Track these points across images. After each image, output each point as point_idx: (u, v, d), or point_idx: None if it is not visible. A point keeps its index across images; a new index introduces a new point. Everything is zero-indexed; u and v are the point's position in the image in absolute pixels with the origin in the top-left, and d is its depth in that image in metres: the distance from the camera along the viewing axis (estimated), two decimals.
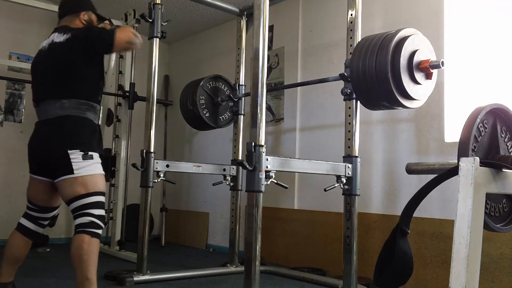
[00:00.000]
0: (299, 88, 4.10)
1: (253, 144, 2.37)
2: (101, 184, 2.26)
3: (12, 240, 2.41)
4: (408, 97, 2.53)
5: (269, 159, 2.39)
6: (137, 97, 4.24)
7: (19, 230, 2.41)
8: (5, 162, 4.65)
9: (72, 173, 2.18)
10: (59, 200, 2.46)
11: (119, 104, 4.40)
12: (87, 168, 2.21)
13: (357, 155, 2.86)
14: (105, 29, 2.38)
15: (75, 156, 2.19)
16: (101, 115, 2.42)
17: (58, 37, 2.33)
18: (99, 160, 2.29)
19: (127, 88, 4.30)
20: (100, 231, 2.19)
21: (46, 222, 2.47)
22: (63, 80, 2.28)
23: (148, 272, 3.12)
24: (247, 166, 2.34)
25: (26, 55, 4.82)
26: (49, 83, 2.33)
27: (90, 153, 2.23)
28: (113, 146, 4.42)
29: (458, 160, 1.30)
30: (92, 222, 2.16)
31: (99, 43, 2.32)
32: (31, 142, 2.38)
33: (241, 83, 3.83)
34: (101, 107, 2.46)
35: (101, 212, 2.21)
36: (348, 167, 2.82)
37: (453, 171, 1.34)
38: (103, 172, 2.31)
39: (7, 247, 2.40)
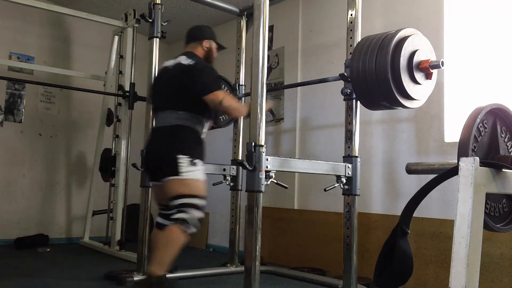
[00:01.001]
0: (299, 88, 4.10)
1: (253, 144, 2.37)
2: (202, 189, 2.56)
3: (156, 237, 2.63)
4: (408, 97, 2.53)
5: (269, 159, 2.39)
6: (137, 97, 4.23)
7: (159, 228, 2.65)
8: (5, 162, 4.64)
9: (178, 175, 2.50)
10: None
11: (119, 104, 4.39)
12: (192, 172, 2.53)
13: (357, 155, 2.86)
14: (212, 79, 2.71)
15: (183, 161, 2.52)
16: (205, 130, 2.81)
17: (185, 60, 2.71)
18: (203, 168, 2.62)
19: (127, 88, 4.29)
20: (192, 231, 2.47)
21: (173, 216, 2.62)
22: (182, 96, 2.64)
23: None
24: (247, 166, 2.33)
25: (26, 55, 4.83)
26: (170, 97, 2.70)
27: (195, 160, 2.55)
28: (113, 146, 4.42)
29: (458, 160, 1.30)
30: (191, 220, 2.44)
31: (194, 89, 2.62)
32: (148, 147, 2.76)
33: (241, 83, 3.84)
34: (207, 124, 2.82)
35: (199, 214, 2.49)
36: (348, 167, 2.82)
37: (453, 171, 1.34)
38: (205, 179, 2.61)
39: (153, 245, 2.62)
